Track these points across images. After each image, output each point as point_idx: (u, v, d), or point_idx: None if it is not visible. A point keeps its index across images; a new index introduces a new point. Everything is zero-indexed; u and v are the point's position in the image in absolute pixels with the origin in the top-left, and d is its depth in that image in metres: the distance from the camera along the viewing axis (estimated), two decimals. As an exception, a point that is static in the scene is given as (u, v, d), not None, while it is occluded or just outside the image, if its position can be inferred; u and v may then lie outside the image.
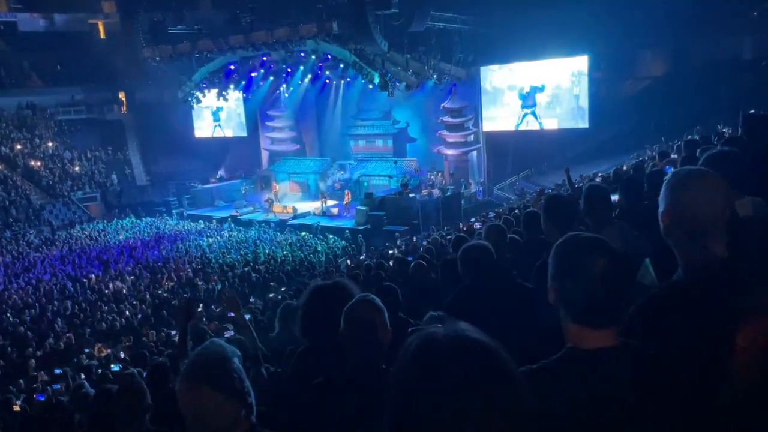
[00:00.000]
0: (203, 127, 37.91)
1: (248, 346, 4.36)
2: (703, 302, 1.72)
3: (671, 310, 1.76)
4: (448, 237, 15.61)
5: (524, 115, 27.83)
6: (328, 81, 31.36)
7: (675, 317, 1.73)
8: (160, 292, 18.47)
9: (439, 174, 28.80)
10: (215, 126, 37.39)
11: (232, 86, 31.35)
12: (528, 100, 27.70)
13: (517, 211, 16.66)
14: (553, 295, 1.69)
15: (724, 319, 1.65)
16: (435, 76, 27.00)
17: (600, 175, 19.87)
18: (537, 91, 27.44)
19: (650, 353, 1.60)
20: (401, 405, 1.11)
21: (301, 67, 29.87)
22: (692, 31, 24.43)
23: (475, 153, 29.57)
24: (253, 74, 31.05)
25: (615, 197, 4.55)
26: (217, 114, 36.83)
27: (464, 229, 18.14)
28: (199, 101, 32.40)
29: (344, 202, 28.05)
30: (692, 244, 1.79)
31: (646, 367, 1.57)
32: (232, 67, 30.56)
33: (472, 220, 21.23)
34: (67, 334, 14.69)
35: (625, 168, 18.30)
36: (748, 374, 1.62)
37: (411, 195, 25.76)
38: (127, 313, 16.33)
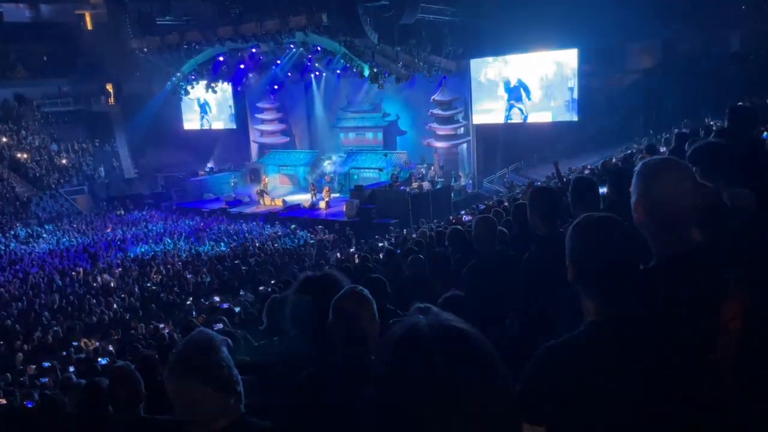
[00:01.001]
0: (192, 120, 37.69)
1: (238, 337, 4.38)
2: (674, 290, 1.76)
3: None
4: (438, 230, 15.62)
5: (510, 107, 27.87)
6: (317, 73, 31.25)
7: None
8: (148, 285, 18.39)
9: (431, 167, 28.82)
10: (202, 117, 37.15)
11: (221, 78, 31.16)
12: (514, 93, 27.70)
13: (506, 203, 16.73)
14: (571, 272, 1.74)
15: (695, 306, 1.70)
16: (425, 69, 26.90)
17: (589, 167, 19.96)
18: (524, 88, 27.48)
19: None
20: (386, 394, 1.12)
21: (291, 59, 29.76)
22: (680, 25, 24.52)
23: (465, 146, 29.52)
24: (242, 66, 30.88)
25: (604, 190, 4.57)
26: (203, 107, 36.59)
27: (454, 221, 18.20)
28: (187, 93, 32.34)
29: (324, 199, 27.32)
30: (664, 233, 1.84)
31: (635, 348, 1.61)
32: (221, 58, 30.39)
33: (462, 212, 21.29)
34: (55, 328, 14.62)
35: (613, 161, 18.41)
36: (726, 359, 1.66)
37: (401, 188, 25.75)
38: (115, 306, 16.26)
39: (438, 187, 26.38)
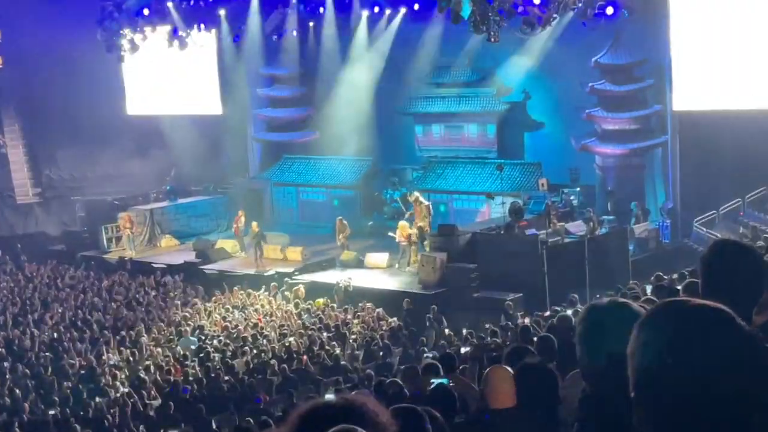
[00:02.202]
0: (138, 98, 25.09)
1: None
2: None
3: None
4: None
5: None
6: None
7: None
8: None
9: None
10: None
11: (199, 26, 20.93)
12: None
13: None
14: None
15: None
16: (580, 3, 15.90)
17: None
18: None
19: None
20: None
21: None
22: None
23: (659, 151, 18.24)
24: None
25: None
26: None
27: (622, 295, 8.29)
28: (134, 50, 20.81)
29: None
30: None
31: None
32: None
33: (635, 286, 11.05)
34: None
35: None
36: None
37: (529, 232, 15.23)
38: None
39: (603, 231, 15.71)
